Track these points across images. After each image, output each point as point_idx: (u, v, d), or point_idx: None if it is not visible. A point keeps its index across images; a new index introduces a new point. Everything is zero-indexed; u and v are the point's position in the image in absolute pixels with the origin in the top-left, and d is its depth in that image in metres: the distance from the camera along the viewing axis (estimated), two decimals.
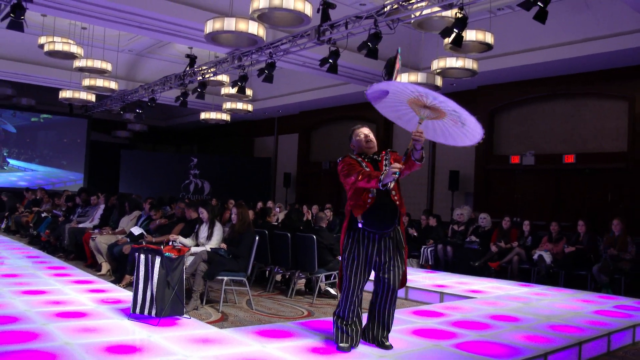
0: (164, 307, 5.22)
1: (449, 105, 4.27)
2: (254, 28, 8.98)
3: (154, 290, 5.20)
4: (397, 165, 4.38)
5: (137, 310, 5.29)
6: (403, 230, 4.86)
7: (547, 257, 9.79)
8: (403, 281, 4.90)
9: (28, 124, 23.00)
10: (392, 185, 4.58)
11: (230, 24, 8.89)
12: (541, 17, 8.23)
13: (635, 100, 12.16)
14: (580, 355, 5.21)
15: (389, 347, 4.68)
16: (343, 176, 4.66)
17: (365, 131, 4.85)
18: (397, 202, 4.72)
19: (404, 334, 5.29)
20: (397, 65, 4.79)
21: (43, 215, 12.58)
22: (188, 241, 7.34)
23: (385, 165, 4.69)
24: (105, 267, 8.89)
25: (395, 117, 4.92)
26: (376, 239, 4.67)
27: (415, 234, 12.11)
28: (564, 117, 13.48)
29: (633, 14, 10.39)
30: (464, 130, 4.51)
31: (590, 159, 12.89)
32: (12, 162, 22.68)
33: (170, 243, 6.77)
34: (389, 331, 4.80)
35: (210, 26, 9.07)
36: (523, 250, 10.27)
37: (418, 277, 9.44)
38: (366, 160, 4.75)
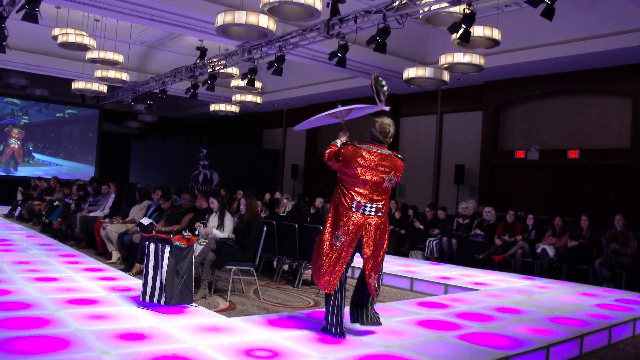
0: (173, 296, 5.34)
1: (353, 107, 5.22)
2: (264, 21, 9.07)
3: (164, 278, 5.31)
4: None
5: (147, 298, 5.41)
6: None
7: (550, 251, 9.88)
8: None
9: (53, 119, 23.24)
10: None
11: (241, 17, 8.98)
12: (548, 13, 8.29)
13: (639, 98, 12.20)
14: (581, 348, 5.30)
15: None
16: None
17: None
18: None
19: (409, 325, 5.40)
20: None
21: (55, 204, 12.75)
22: (217, 232, 7.39)
23: None
24: (116, 255, 9.05)
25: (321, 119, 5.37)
26: None
27: (421, 227, 12.20)
28: (568, 113, 13.53)
29: (636, 13, 10.42)
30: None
31: (594, 155, 12.95)
32: (37, 156, 22.95)
33: (197, 232, 6.94)
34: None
35: (221, 19, 9.16)
36: (527, 244, 10.37)
37: (423, 269, 9.56)
38: None
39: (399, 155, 4.90)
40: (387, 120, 4.90)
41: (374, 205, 4.76)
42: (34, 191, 16.08)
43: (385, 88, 5.16)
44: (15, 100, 22.42)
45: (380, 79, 5.22)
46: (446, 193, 15.98)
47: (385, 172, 4.76)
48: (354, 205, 4.72)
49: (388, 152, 4.83)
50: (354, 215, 4.72)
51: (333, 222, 4.81)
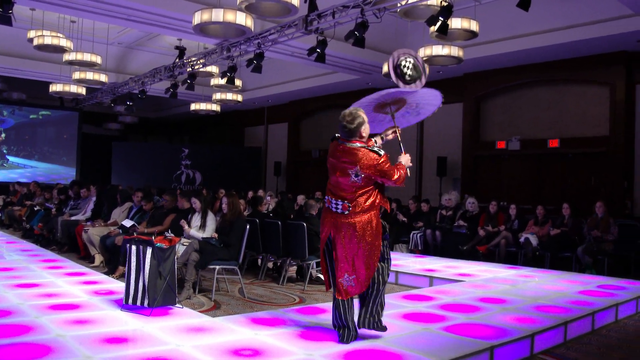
0: (157, 297, 5.31)
1: (403, 90, 4.78)
2: (242, 19, 9.05)
3: (146, 280, 5.28)
4: (409, 157, 4.82)
5: (130, 301, 5.37)
6: None
7: (533, 240, 9.95)
8: None
9: (27, 120, 22.92)
10: None
11: (218, 15, 8.95)
12: (524, 4, 8.36)
13: (615, 86, 12.34)
14: (565, 335, 5.34)
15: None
16: (386, 172, 4.53)
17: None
18: None
19: (395, 318, 5.40)
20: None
21: (36, 208, 12.62)
22: (194, 232, 7.35)
23: None
24: (99, 258, 8.97)
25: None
26: None
27: (404, 220, 12.23)
28: (548, 103, 13.64)
29: (613, 1, 10.50)
30: (424, 102, 5.00)
31: (573, 143, 13.07)
32: (11, 159, 22.58)
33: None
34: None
35: (198, 17, 9.12)
36: (510, 234, 10.43)
37: (408, 262, 9.58)
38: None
39: (374, 149, 4.53)
40: (346, 111, 4.57)
41: (340, 203, 4.51)
42: (13, 196, 15.90)
43: (409, 71, 4.92)
44: None
45: (403, 64, 4.93)
46: (429, 185, 16.04)
47: (348, 167, 4.47)
48: (326, 202, 4.65)
49: (354, 145, 4.50)
50: (327, 214, 4.64)
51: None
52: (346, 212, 4.50)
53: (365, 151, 4.48)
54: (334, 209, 4.56)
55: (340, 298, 4.53)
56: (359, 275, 4.50)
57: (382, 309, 4.69)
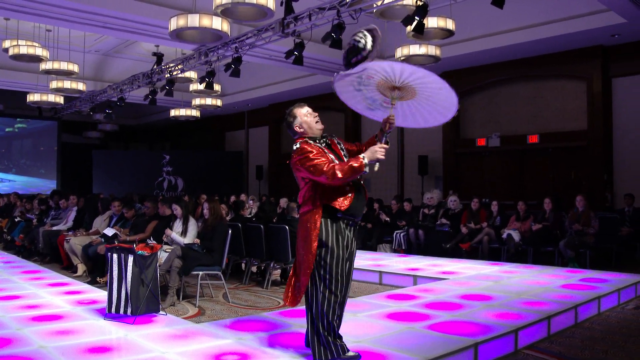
0: (140, 305, 5.27)
1: (419, 75, 3.98)
2: (218, 23, 9.04)
3: (129, 288, 5.25)
4: (384, 147, 3.99)
5: (113, 310, 5.33)
6: None
7: (516, 236, 10.02)
8: None
9: (2, 134, 22.63)
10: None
11: (194, 20, 8.94)
12: (499, 2, 8.43)
13: (592, 80, 12.50)
14: (549, 329, 5.37)
15: None
16: (315, 166, 3.93)
17: (310, 109, 4.23)
18: (367, 193, 4.40)
19: (378, 318, 5.41)
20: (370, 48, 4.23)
21: (16, 219, 12.50)
22: (176, 236, 7.31)
23: (342, 150, 4.25)
24: (81, 268, 8.90)
25: (364, 107, 4.50)
26: (350, 230, 4.14)
27: (387, 219, 12.26)
28: (526, 99, 13.76)
29: None
30: (436, 106, 4.26)
31: (553, 138, 13.20)
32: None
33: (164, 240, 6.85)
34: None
35: (174, 23, 9.10)
36: (492, 230, 10.50)
37: (391, 262, 9.59)
38: (323, 144, 4.18)
39: (295, 146, 4.12)
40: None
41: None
42: None
43: (361, 44, 4.20)
44: None
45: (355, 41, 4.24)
46: (411, 184, 16.10)
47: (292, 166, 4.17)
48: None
49: (295, 145, 4.15)
50: None
51: None
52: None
53: (297, 147, 4.10)
54: None
55: (286, 304, 4.24)
56: (299, 280, 4.11)
57: (329, 333, 4.04)
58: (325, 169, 3.86)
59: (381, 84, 4.10)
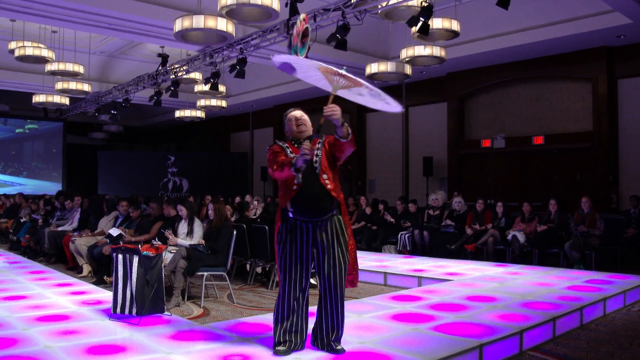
0: (145, 306, 5.29)
1: (362, 81, 3.98)
2: (223, 24, 9.04)
3: (134, 289, 5.26)
4: (307, 145, 3.94)
5: (118, 310, 5.34)
6: (347, 220, 4.36)
7: (521, 237, 9.99)
8: (351, 279, 4.42)
9: (13, 135, 22.35)
10: (304, 168, 3.98)
11: (199, 21, 8.94)
12: (504, 3, 8.41)
13: (598, 81, 12.46)
14: (554, 331, 5.35)
15: (341, 351, 4.23)
16: (268, 166, 4.27)
17: (296, 114, 4.43)
18: (330, 187, 4.21)
19: (383, 319, 5.40)
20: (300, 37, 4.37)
21: (22, 220, 12.55)
22: (181, 240, 7.31)
23: (317, 150, 4.29)
24: (87, 268, 8.92)
25: (314, 79, 4.35)
26: (310, 229, 4.18)
27: (392, 220, 12.25)
28: (531, 100, 13.74)
29: None
30: (382, 103, 4.18)
31: (558, 139, 13.17)
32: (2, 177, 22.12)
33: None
34: (339, 333, 4.31)
35: (179, 24, 9.11)
36: (497, 232, 10.47)
37: (396, 263, 9.59)
38: (296, 145, 4.32)
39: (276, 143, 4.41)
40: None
41: None
42: None
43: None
44: None
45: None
46: (416, 186, 16.09)
47: None
48: None
49: None
50: None
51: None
52: None
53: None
54: None
55: None
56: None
57: (275, 322, 4.34)
58: (270, 166, 4.19)
59: (324, 69, 4.03)
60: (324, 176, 4.21)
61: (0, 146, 22.35)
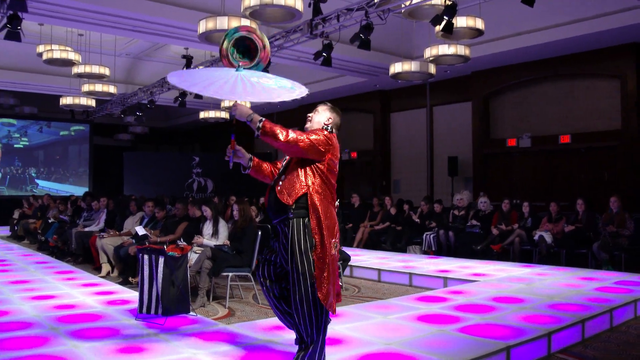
0: (170, 306, 5.32)
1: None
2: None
3: (159, 289, 5.29)
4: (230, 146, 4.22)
5: (144, 311, 5.39)
6: (323, 226, 3.80)
7: (548, 237, 9.88)
8: (322, 295, 3.72)
9: (57, 138, 21.34)
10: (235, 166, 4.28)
11: (222, 22, 8.96)
12: (529, 0, 8.32)
13: (626, 78, 12.25)
14: (583, 333, 5.28)
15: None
16: None
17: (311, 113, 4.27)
18: (277, 188, 3.96)
19: (409, 320, 5.38)
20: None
21: (50, 221, 12.71)
22: (207, 241, 7.34)
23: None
24: (105, 268, 9.02)
25: (214, 91, 4.28)
26: (279, 231, 3.98)
27: (417, 221, 12.20)
28: (557, 98, 13.56)
29: None
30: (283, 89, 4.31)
31: (585, 138, 12.98)
32: (42, 183, 20.89)
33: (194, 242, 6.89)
34: (305, 342, 3.84)
35: (203, 26, 9.15)
36: (524, 232, 10.36)
37: (421, 264, 9.55)
38: None
39: None
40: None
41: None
42: (28, 209, 16.03)
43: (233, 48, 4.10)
44: (11, 121, 20.89)
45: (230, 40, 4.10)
46: (441, 186, 16.00)
47: None
48: (336, 206, 4.02)
49: None
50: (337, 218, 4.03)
51: (329, 227, 3.82)
52: None
53: None
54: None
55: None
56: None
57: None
58: None
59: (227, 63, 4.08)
60: (282, 177, 4.02)
61: (43, 150, 20.99)
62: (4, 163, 20.66)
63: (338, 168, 4.04)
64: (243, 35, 4.12)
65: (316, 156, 3.87)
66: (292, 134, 3.79)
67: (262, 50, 4.21)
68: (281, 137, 3.79)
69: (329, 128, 4.05)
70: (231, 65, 4.10)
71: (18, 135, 20.82)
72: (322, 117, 4.17)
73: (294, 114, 20.61)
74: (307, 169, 3.90)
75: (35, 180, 20.88)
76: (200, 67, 14.27)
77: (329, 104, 4.24)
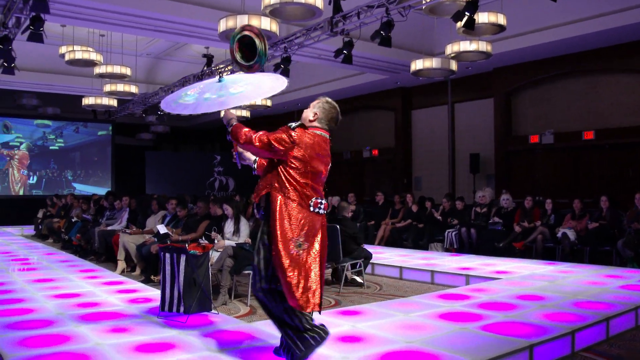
0: (192, 304, 5.34)
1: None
2: (267, 24, 9.07)
3: (181, 288, 5.32)
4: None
5: (166, 309, 5.41)
6: (276, 225, 3.81)
7: (571, 235, 9.78)
8: (265, 288, 3.90)
9: (95, 139, 20.67)
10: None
11: (242, 21, 8.97)
12: None
13: None
14: (608, 331, 5.22)
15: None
16: None
17: None
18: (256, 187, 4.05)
19: (431, 318, 5.35)
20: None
21: (73, 220, 12.85)
22: (228, 242, 7.36)
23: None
24: (121, 265, 9.12)
25: (206, 107, 4.50)
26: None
27: (439, 218, 12.14)
28: (580, 94, 13.39)
29: None
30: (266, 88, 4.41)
31: (609, 134, 12.80)
32: (79, 187, 20.29)
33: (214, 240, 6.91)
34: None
35: (223, 25, 9.18)
36: (546, 229, 10.27)
37: (443, 261, 9.50)
38: None
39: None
40: (335, 104, 4.18)
41: (324, 202, 3.98)
42: (52, 208, 16.22)
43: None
44: (46, 122, 20.56)
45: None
46: (462, 183, 15.89)
47: (329, 161, 4.09)
48: (312, 204, 3.89)
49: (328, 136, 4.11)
50: (314, 217, 3.93)
51: (291, 227, 3.82)
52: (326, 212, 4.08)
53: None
54: (322, 211, 3.98)
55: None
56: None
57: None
58: None
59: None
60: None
61: (79, 152, 20.49)
62: (39, 165, 20.33)
63: (324, 166, 4.01)
64: (239, 36, 4.31)
65: (272, 155, 3.95)
66: (253, 135, 3.94)
67: (258, 37, 4.29)
68: (240, 139, 4.00)
69: (293, 126, 3.99)
70: (249, 70, 4.38)
71: (53, 137, 20.31)
72: (309, 112, 4.16)
73: None
74: (275, 168, 3.97)
75: (72, 184, 20.39)
76: (221, 65, 14.34)
77: (323, 99, 4.20)
